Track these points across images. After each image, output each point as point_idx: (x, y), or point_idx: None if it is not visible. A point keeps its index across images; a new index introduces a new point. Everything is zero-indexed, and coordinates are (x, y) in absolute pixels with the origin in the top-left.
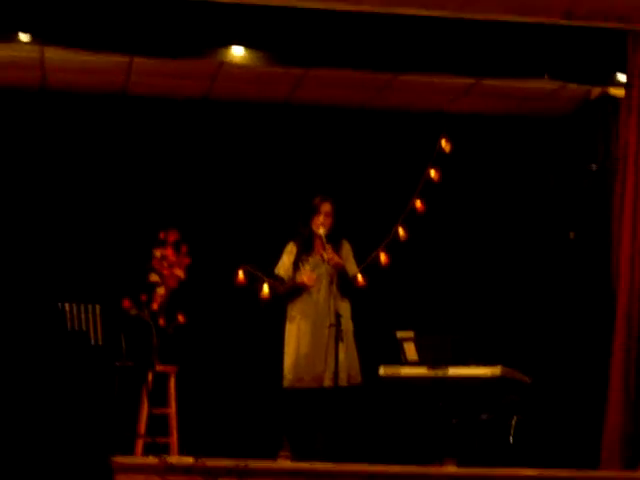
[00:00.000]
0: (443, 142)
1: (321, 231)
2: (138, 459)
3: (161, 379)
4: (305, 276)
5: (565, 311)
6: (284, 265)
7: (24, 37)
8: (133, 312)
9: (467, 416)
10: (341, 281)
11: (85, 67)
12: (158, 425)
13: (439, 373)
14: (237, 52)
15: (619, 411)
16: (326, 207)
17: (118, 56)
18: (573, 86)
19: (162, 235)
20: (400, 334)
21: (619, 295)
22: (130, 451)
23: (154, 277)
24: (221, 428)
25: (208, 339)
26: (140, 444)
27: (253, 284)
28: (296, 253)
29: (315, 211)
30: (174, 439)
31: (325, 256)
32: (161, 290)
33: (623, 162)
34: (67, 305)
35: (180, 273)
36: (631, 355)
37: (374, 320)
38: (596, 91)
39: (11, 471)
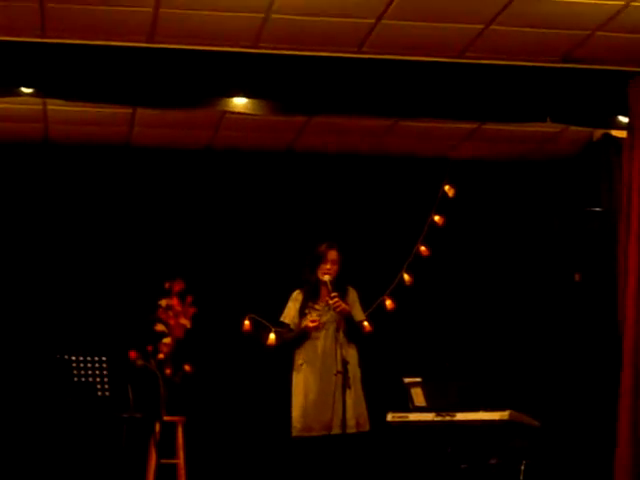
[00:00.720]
0: (446, 187)
1: (327, 278)
2: None
3: (169, 429)
4: (308, 320)
5: (572, 354)
6: (290, 313)
7: (26, 90)
8: (140, 363)
9: (476, 461)
10: (348, 328)
11: (88, 119)
12: (166, 476)
13: (447, 418)
14: (239, 101)
15: (629, 455)
16: (332, 254)
17: (121, 107)
18: (575, 128)
19: (167, 285)
20: (407, 380)
21: (625, 337)
22: None
23: (160, 327)
24: (230, 477)
25: (215, 388)
26: None
27: (259, 332)
28: (302, 300)
29: (321, 258)
30: None
31: (331, 303)
32: (167, 340)
33: (627, 203)
34: (74, 357)
35: (186, 323)
36: (639, 400)
37: (381, 366)
38: (598, 133)
39: None
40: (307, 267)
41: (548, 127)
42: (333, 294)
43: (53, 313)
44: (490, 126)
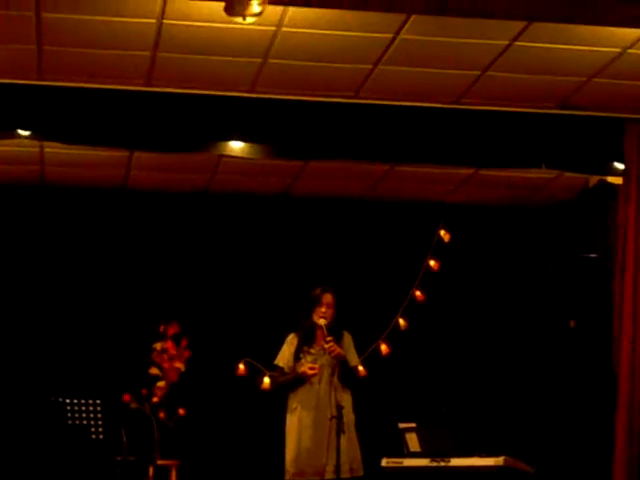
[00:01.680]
0: (442, 232)
1: (322, 322)
2: None
3: (163, 473)
4: (306, 366)
5: (567, 399)
6: (284, 356)
7: (24, 133)
8: (134, 406)
9: None
10: (342, 372)
11: (85, 162)
12: None
13: (442, 464)
14: (236, 145)
15: None
16: (327, 298)
17: (118, 151)
18: (571, 174)
19: (162, 328)
20: (402, 425)
21: (621, 383)
22: None
23: (154, 370)
24: None
25: (209, 432)
26: None
27: (254, 376)
28: (297, 344)
29: (316, 302)
30: None
31: (326, 347)
32: (161, 383)
33: (622, 249)
34: (68, 400)
35: (180, 366)
36: (634, 444)
37: (376, 411)
38: (594, 179)
39: None
40: (302, 311)
41: (544, 173)
42: (328, 338)
43: (48, 356)
44: (486, 172)
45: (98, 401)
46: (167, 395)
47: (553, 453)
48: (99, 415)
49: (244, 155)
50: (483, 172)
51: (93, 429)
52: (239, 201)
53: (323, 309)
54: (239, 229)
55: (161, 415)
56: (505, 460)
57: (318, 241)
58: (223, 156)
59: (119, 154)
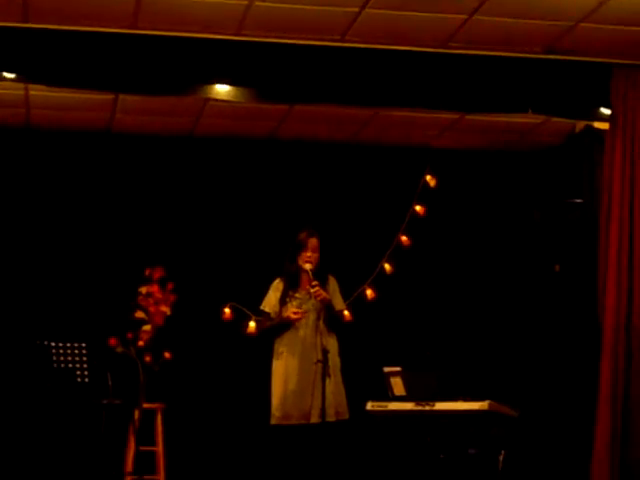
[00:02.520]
0: (428, 177)
1: (308, 266)
2: None
3: (148, 417)
4: (290, 310)
5: (552, 344)
6: (270, 301)
7: (9, 75)
8: (119, 350)
9: (455, 451)
10: (328, 316)
11: (69, 105)
12: (145, 463)
13: (426, 408)
14: (222, 88)
15: (606, 444)
16: (312, 242)
17: (103, 94)
18: (557, 120)
19: (148, 272)
20: (387, 369)
21: (605, 327)
22: None
23: (140, 314)
24: (209, 465)
25: (195, 376)
26: None
27: (240, 321)
28: (282, 289)
29: (301, 246)
30: (162, 477)
31: (312, 291)
32: (147, 327)
33: (608, 194)
34: (53, 343)
35: (166, 310)
36: (618, 388)
37: (361, 355)
38: (581, 124)
39: None
40: (288, 255)
41: (530, 118)
42: (314, 282)
43: (33, 300)
44: (472, 116)
45: (83, 344)
46: (153, 339)
47: (537, 398)
48: (84, 358)
49: (230, 98)
50: (469, 117)
51: (79, 372)
52: (225, 145)
53: (308, 253)
54: (224, 173)
55: (147, 359)
56: (489, 404)
57: (304, 185)
58: (209, 99)
59: (104, 97)
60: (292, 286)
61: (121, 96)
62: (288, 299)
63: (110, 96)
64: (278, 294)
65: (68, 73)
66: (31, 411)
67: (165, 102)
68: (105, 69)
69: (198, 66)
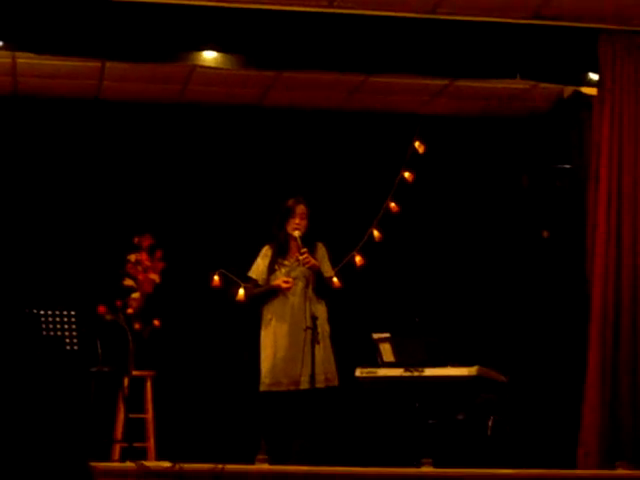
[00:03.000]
0: (417, 143)
1: (296, 233)
2: (115, 464)
3: (138, 384)
4: (281, 279)
5: (540, 310)
6: (259, 268)
7: None
8: (108, 317)
9: (444, 416)
10: (317, 283)
11: (57, 72)
12: (135, 430)
13: (415, 374)
14: (209, 55)
15: (595, 410)
16: (301, 209)
17: (90, 61)
18: (546, 86)
19: (136, 240)
20: (376, 336)
21: (594, 294)
22: (107, 456)
23: (129, 282)
24: (198, 432)
25: (184, 343)
26: (117, 449)
27: (228, 288)
28: (271, 256)
29: (290, 213)
30: (151, 444)
31: (300, 258)
32: (136, 295)
33: (596, 160)
34: (42, 311)
35: (155, 277)
36: (607, 354)
37: (350, 322)
38: (569, 90)
39: None
40: (276, 222)
41: (518, 84)
42: (302, 249)
43: (22, 268)
44: (461, 82)
45: (73, 312)
46: (142, 306)
47: (526, 363)
48: (74, 326)
49: (217, 65)
50: (458, 83)
51: (68, 340)
52: (213, 112)
53: (297, 220)
54: (213, 140)
55: (136, 326)
56: (478, 370)
57: (292, 152)
58: (196, 66)
59: (92, 64)
60: (281, 253)
61: (108, 63)
62: (277, 266)
63: (98, 63)
64: (267, 261)
65: (56, 41)
66: (20, 378)
67: (153, 69)
68: (93, 37)
69: (186, 33)
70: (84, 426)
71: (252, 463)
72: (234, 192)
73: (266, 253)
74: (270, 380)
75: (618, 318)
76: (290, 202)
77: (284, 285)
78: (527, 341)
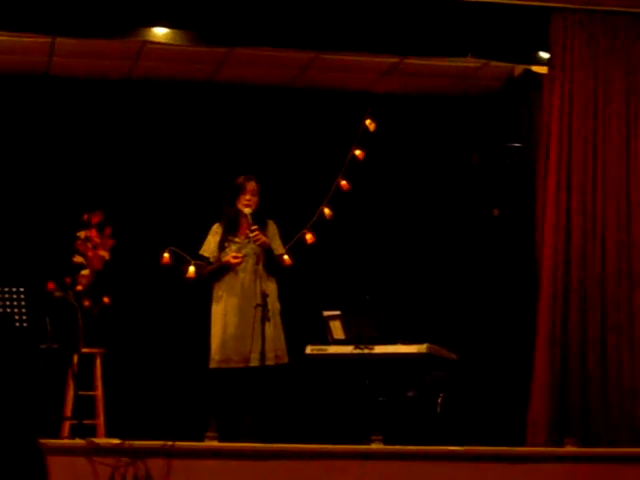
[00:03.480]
0: (368, 121)
1: (247, 210)
2: (65, 441)
3: (87, 361)
4: (230, 255)
5: (490, 288)
6: (209, 246)
7: None
8: (58, 294)
9: (394, 394)
10: (267, 261)
11: (6, 48)
12: (85, 407)
13: (365, 351)
14: (160, 31)
15: (544, 387)
16: (251, 185)
17: (40, 37)
18: (496, 64)
19: (86, 217)
20: (326, 313)
21: (543, 272)
22: (57, 433)
23: (78, 259)
24: (148, 410)
25: (134, 321)
26: (66, 426)
27: (179, 265)
28: (222, 233)
29: (240, 190)
30: (101, 421)
31: (251, 235)
32: (85, 272)
33: (546, 139)
34: None
35: (105, 254)
36: (555, 333)
37: (301, 299)
38: (519, 69)
39: None
40: (226, 199)
41: (469, 62)
42: (253, 227)
43: None
44: (411, 60)
45: (22, 289)
46: (91, 284)
47: (475, 340)
48: (23, 303)
49: (168, 41)
50: (408, 61)
51: (17, 317)
52: (163, 87)
53: (247, 197)
54: (163, 116)
55: (86, 303)
56: (428, 347)
57: (243, 129)
58: (147, 42)
59: (42, 40)
60: (231, 230)
61: (59, 39)
62: (227, 244)
63: (48, 39)
64: (217, 238)
65: (5, 16)
66: None
67: (103, 45)
68: (42, 12)
69: (136, 9)
70: (33, 403)
71: (202, 440)
72: (185, 169)
73: (217, 230)
74: (220, 357)
75: (567, 297)
76: (241, 179)
77: (234, 261)
78: (477, 319)
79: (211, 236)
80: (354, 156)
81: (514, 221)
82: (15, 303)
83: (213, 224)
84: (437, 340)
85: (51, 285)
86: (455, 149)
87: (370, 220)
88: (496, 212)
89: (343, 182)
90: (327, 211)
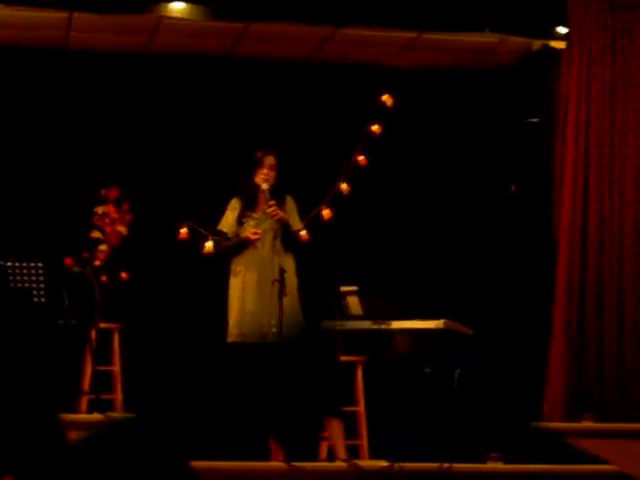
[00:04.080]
0: (385, 96)
1: (265, 186)
2: (82, 416)
3: (105, 336)
4: (249, 232)
5: (507, 263)
6: (228, 221)
7: None
8: (76, 270)
9: (411, 369)
10: (285, 236)
11: (25, 23)
12: (102, 383)
13: (383, 327)
14: (177, 6)
15: (561, 362)
16: (269, 160)
17: (58, 12)
18: (514, 39)
19: (103, 192)
20: (344, 289)
21: (560, 247)
22: (74, 408)
23: (96, 234)
24: (166, 384)
25: (151, 296)
26: (84, 401)
27: (196, 240)
28: (240, 209)
29: (258, 165)
30: (118, 396)
31: (269, 211)
32: (103, 247)
33: (564, 114)
34: (10, 264)
35: (122, 230)
36: (572, 307)
37: (318, 275)
38: (537, 44)
39: None
40: (244, 174)
41: (487, 37)
42: (271, 202)
43: None
44: (429, 35)
45: (40, 264)
46: (109, 259)
47: (492, 316)
48: (41, 278)
49: (185, 16)
50: (427, 36)
51: (35, 292)
52: (182, 62)
53: (265, 171)
54: (181, 91)
55: (103, 279)
56: (445, 323)
57: (261, 104)
58: (163, 17)
59: (59, 15)
60: (249, 206)
61: (76, 14)
62: (245, 219)
63: (65, 14)
64: (235, 214)
65: None
66: None
67: (121, 20)
68: None
69: None
70: (52, 379)
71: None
72: (203, 144)
73: (234, 205)
74: (238, 331)
75: (584, 271)
76: (259, 153)
77: (253, 237)
78: (494, 294)
79: (229, 211)
80: (371, 131)
81: (531, 196)
82: (34, 278)
83: (231, 199)
84: (454, 315)
85: (69, 260)
86: (473, 124)
87: (388, 195)
88: (513, 187)
89: (361, 157)
90: (344, 187)
